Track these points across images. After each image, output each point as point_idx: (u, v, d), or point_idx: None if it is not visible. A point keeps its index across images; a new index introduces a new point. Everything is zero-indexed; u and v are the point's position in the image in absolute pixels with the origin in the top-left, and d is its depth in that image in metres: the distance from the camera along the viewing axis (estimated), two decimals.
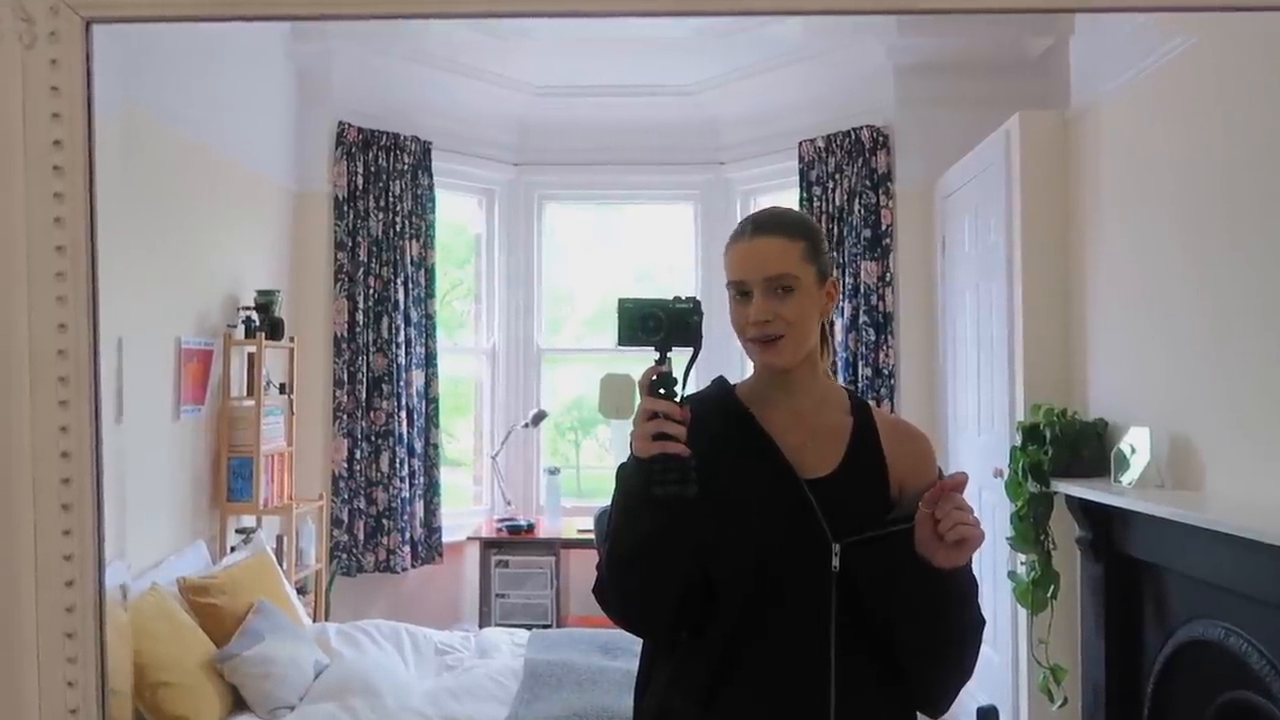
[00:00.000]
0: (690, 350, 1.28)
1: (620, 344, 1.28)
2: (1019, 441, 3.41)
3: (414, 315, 4.90)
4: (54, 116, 0.61)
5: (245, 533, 3.84)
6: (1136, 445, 2.96)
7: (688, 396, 1.27)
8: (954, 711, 4.05)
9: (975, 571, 1.40)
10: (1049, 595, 3.32)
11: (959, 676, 1.35)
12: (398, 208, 4.84)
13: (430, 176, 4.99)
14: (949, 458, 4.34)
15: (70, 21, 0.62)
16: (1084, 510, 3.14)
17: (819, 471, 1.34)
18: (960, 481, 1.25)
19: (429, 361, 4.97)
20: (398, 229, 4.83)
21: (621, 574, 1.30)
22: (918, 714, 1.40)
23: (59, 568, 0.61)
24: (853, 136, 4.72)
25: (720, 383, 1.45)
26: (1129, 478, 2.95)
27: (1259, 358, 2.50)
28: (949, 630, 1.30)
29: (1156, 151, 3.03)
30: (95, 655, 0.62)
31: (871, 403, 1.50)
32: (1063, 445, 3.26)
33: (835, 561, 1.27)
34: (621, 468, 1.32)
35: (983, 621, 1.36)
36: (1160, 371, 3.00)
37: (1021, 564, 3.43)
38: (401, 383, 4.79)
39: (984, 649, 1.42)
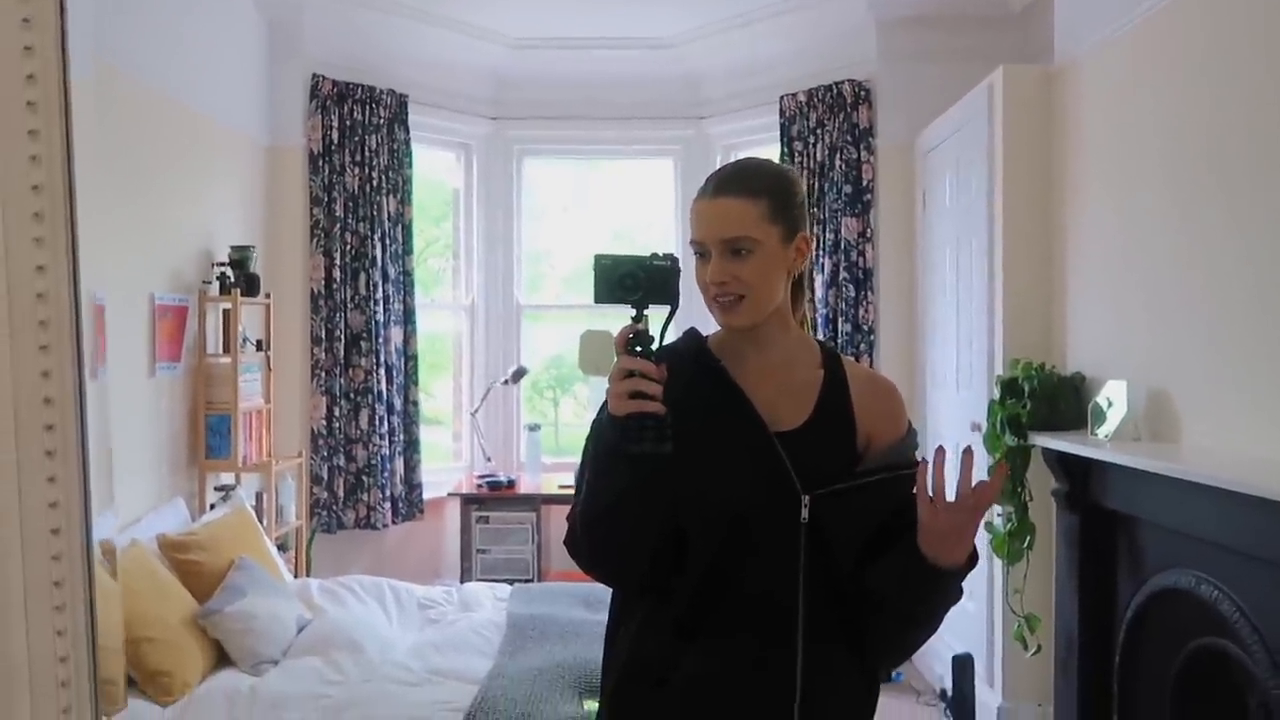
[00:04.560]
0: (668, 308, 1.27)
1: (597, 301, 1.26)
2: (997, 395, 3.44)
3: (391, 271, 4.85)
4: (26, 50, 0.59)
5: (224, 490, 3.82)
6: (1114, 399, 2.99)
7: (660, 348, 1.26)
8: (929, 660, 4.13)
9: None
10: (1025, 546, 3.37)
11: (925, 637, 1.37)
12: (374, 162, 4.78)
13: (407, 130, 4.91)
14: (928, 412, 4.38)
15: None
16: (1060, 463, 3.18)
17: (789, 424, 1.34)
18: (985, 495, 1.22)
19: (407, 318, 4.94)
20: (374, 184, 4.77)
21: (596, 528, 1.30)
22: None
23: (45, 515, 0.60)
24: (834, 91, 4.69)
25: (692, 334, 1.44)
26: (1105, 430, 2.98)
27: (1239, 313, 2.52)
28: (931, 609, 1.32)
29: (1142, 105, 3.02)
30: (84, 603, 0.61)
31: (849, 356, 1.49)
32: (1040, 399, 3.28)
33: (805, 513, 1.28)
34: (596, 422, 1.31)
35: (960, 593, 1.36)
36: (1139, 326, 3.02)
37: (998, 515, 3.47)
38: (380, 340, 4.76)
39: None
